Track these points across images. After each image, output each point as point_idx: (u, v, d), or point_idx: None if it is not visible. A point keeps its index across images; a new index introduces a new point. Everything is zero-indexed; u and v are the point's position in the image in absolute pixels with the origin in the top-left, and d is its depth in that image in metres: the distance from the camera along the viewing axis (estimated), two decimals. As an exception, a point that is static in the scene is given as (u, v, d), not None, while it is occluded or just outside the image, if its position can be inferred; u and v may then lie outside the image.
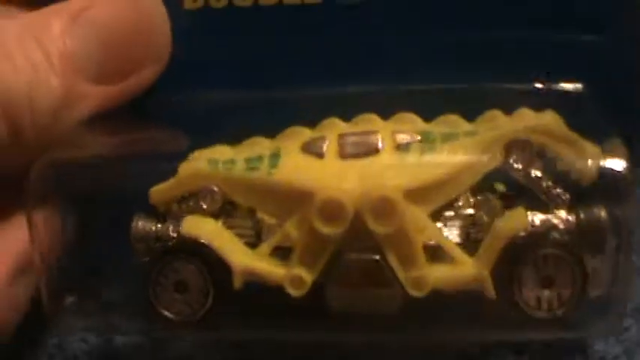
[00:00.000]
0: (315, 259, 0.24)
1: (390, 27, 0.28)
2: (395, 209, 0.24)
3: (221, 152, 0.26)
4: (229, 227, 0.25)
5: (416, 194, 0.24)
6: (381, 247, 0.24)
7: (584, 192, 0.26)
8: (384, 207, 0.24)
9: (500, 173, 0.26)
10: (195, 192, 0.25)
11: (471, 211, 0.25)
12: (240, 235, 0.25)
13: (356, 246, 0.24)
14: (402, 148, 0.25)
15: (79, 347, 0.29)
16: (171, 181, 0.25)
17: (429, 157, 0.25)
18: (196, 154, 0.26)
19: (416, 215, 0.24)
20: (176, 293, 0.25)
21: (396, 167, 0.25)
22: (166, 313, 0.25)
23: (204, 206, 0.25)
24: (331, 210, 0.24)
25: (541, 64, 0.28)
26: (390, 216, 0.24)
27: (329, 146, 0.25)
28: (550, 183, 0.25)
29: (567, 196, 0.25)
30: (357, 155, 0.25)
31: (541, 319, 0.24)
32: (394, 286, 0.24)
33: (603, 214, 0.25)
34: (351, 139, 0.25)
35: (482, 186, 0.25)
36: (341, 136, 0.25)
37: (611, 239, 0.25)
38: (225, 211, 0.26)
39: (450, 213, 0.25)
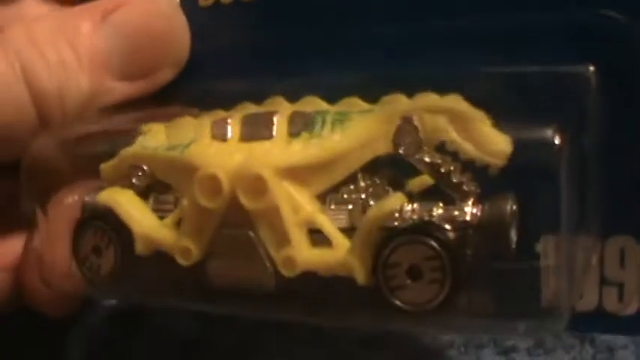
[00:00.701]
0: (200, 232, 0.25)
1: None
2: (265, 186, 0.24)
3: (156, 130, 0.28)
4: (157, 202, 0.27)
5: (296, 174, 0.24)
6: (254, 223, 0.24)
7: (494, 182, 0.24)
8: (255, 184, 0.24)
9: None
10: (130, 169, 0.28)
11: (362, 195, 0.24)
12: (164, 210, 0.27)
13: (235, 222, 0.25)
14: (294, 130, 0.25)
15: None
16: (115, 159, 0.28)
17: (317, 138, 0.25)
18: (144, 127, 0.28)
19: (291, 195, 0.24)
20: (94, 256, 0.27)
21: (282, 148, 0.25)
22: (87, 274, 0.27)
23: (135, 182, 0.28)
24: (210, 184, 0.25)
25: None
26: (261, 193, 0.24)
27: (232, 128, 0.26)
28: (452, 169, 0.24)
29: (473, 187, 0.24)
30: (253, 137, 0.25)
31: (406, 311, 0.23)
32: (267, 264, 0.24)
33: (508, 209, 0.23)
34: (250, 121, 0.26)
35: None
36: (244, 117, 0.26)
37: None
38: (155, 187, 0.28)
39: (340, 196, 0.25)
